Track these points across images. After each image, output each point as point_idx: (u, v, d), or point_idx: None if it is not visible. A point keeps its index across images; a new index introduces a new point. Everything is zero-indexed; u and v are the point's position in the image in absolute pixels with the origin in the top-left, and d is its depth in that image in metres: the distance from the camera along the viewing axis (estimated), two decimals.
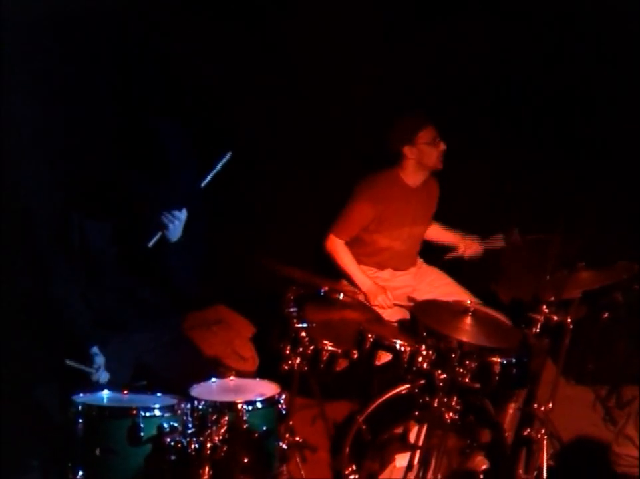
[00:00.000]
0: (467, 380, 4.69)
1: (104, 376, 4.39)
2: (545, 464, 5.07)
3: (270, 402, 4.23)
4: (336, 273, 5.81)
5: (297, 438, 4.87)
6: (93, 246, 4.51)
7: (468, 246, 5.93)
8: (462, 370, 4.67)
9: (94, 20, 5.21)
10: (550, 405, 5.09)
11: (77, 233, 4.50)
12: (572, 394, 6.19)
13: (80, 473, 3.92)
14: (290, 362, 4.80)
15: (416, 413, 4.83)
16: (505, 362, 4.77)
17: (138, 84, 5.42)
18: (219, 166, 4.34)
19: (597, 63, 6.11)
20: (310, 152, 6.05)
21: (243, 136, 5.77)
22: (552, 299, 4.80)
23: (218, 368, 5.30)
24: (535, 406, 5.12)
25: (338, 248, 5.73)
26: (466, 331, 4.61)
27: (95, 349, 4.43)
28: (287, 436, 4.72)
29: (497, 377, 4.77)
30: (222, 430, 4.06)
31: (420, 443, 4.81)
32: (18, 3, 4.88)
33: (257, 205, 6.01)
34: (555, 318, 4.81)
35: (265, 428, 4.17)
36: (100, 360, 4.42)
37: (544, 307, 4.81)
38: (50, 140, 5.12)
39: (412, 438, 4.85)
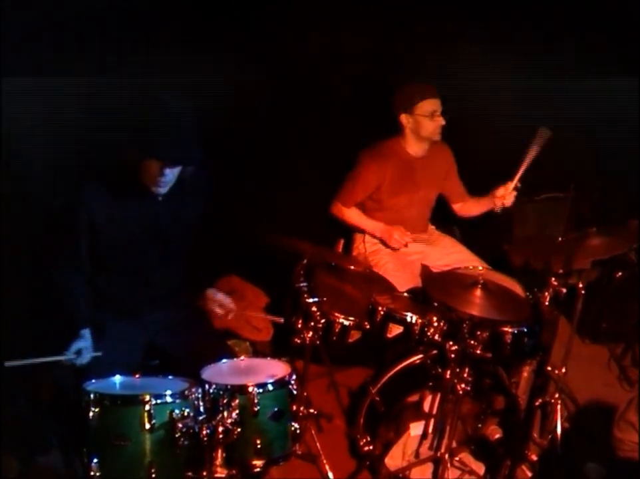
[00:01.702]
0: (478, 351, 4.68)
1: (79, 360, 4.34)
2: (560, 427, 5.09)
3: (281, 383, 4.24)
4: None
5: (312, 410, 4.91)
6: (101, 230, 4.50)
7: (505, 197, 5.79)
8: (473, 341, 4.67)
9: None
10: (564, 369, 5.10)
11: (85, 215, 4.47)
12: (587, 353, 6.21)
13: (95, 460, 3.93)
14: (302, 336, 4.79)
15: (430, 383, 4.84)
16: (517, 331, 4.77)
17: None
18: None
19: None
20: (316, 122, 6.02)
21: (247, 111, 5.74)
22: (561, 271, 4.76)
23: (231, 341, 5.35)
24: (550, 368, 5.14)
25: (343, 212, 5.77)
26: (476, 304, 4.60)
27: (85, 331, 4.40)
28: (301, 408, 4.77)
29: (509, 346, 4.78)
30: (234, 413, 4.08)
31: (434, 411, 4.82)
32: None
33: (266, 175, 5.96)
34: (564, 290, 4.78)
35: (276, 409, 4.19)
36: (81, 343, 4.36)
37: (553, 279, 4.77)
38: (55, 121, 5.07)
39: (426, 406, 4.87)
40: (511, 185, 5.72)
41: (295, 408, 4.61)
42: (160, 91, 4.52)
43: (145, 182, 4.41)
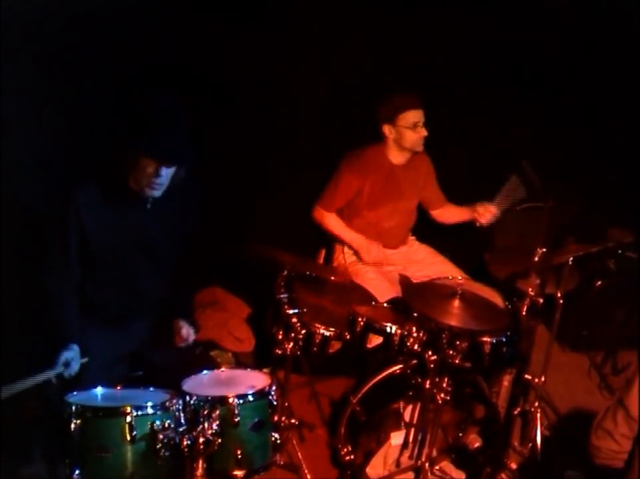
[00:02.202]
0: (458, 360, 4.72)
1: (68, 371, 4.34)
2: (540, 435, 5.13)
3: (261, 394, 4.28)
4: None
5: (294, 420, 4.95)
6: (90, 237, 4.50)
7: (482, 215, 5.89)
8: (452, 351, 4.71)
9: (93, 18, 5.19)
10: (543, 378, 5.14)
11: (74, 221, 4.46)
12: (567, 361, 6.27)
13: (77, 471, 3.96)
14: (283, 346, 4.83)
15: (410, 393, 4.88)
16: (495, 341, 4.82)
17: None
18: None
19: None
20: (296, 132, 6.05)
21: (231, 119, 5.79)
22: (537, 281, 4.81)
23: (213, 352, 5.38)
24: (529, 377, 5.19)
25: (324, 217, 5.81)
26: (455, 314, 4.65)
27: (71, 345, 4.39)
28: (283, 418, 4.82)
29: (488, 356, 4.82)
30: (214, 424, 4.11)
31: (415, 421, 4.86)
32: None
33: (248, 185, 6.00)
34: (541, 300, 4.83)
35: (257, 420, 4.23)
36: (69, 354, 4.35)
37: (530, 289, 4.83)
38: (44, 130, 5.09)
39: (406, 416, 4.92)
40: (492, 208, 5.80)
41: (276, 418, 4.67)
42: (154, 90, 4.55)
43: (138, 185, 4.42)
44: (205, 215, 5.01)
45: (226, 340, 5.67)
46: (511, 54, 6.22)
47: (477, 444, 4.90)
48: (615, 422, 3.88)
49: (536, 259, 4.97)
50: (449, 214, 6.14)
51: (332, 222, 5.83)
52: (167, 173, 4.40)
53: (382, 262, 5.82)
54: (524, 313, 4.88)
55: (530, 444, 5.16)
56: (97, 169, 4.56)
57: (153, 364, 4.72)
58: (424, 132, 5.66)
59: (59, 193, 4.51)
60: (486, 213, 5.84)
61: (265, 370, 4.84)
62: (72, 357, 4.38)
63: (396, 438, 4.90)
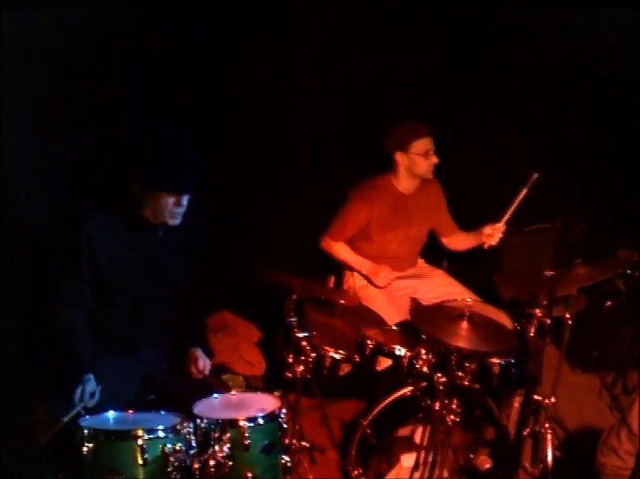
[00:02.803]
0: (466, 382, 4.75)
1: (92, 401, 4.42)
2: (551, 455, 5.14)
3: (271, 417, 4.31)
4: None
5: (304, 443, 4.97)
6: (102, 265, 4.55)
7: (491, 236, 5.93)
8: (461, 373, 4.73)
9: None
10: (553, 399, 5.16)
11: (86, 250, 4.52)
12: (578, 382, 6.27)
13: None
14: (293, 369, 4.85)
15: (420, 415, 4.91)
16: (504, 362, 4.84)
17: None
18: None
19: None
20: (307, 159, 6.10)
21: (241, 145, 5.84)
22: (544, 302, 4.84)
23: (225, 376, 5.41)
24: (539, 398, 5.20)
25: (332, 246, 5.87)
26: (463, 336, 4.67)
27: (88, 376, 4.46)
28: (294, 441, 4.84)
29: (496, 377, 4.86)
30: (225, 447, 4.15)
31: (425, 443, 4.88)
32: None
33: (258, 210, 6.05)
34: (549, 321, 4.86)
35: (267, 442, 4.26)
36: (90, 386, 4.44)
37: (537, 310, 4.85)
38: (56, 156, 5.14)
39: (416, 438, 4.93)
40: (499, 225, 5.82)
41: (287, 441, 4.71)
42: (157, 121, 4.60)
43: (157, 217, 4.49)
44: (215, 239, 5.06)
45: (237, 364, 5.71)
46: (519, 74, 6.26)
47: (487, 466, 4.92)
48: (619, 439, 3.92)
49: (543, 280, 4.97)
50: (458, 242, 6.21)
51: (340, 250, 5.90)
52: (187, 199, 4.45)
53: (391, 287, 5.83)
54: (532, 334, 4.88)
55: (541, 465, 5.16)
56: (108, 199, 4.61)
57: (165, 389, 4.75)
58: (435, 159, 5.73)
59: (70, 223, 4.57)
60: (494, 233, 5.88)
61: (275, 393, 4.84)
62: (95, 388, 4.45)
63: (407, 460, 4.93)
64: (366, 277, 5.89)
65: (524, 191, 5.63)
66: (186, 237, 4.64)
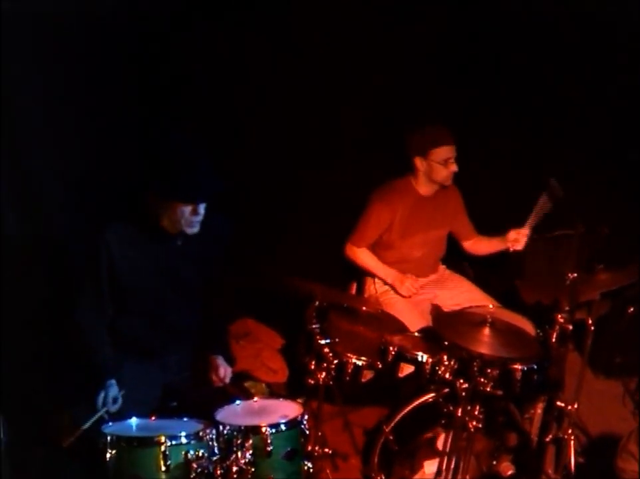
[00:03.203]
0: (489, 388, 4.75)
1: (115, 407, 4.46)
2: (574, 462, 5.13)
3: (293, 423, 4.34)
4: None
5: (327, 449, 4.98)
6: (122, 274, 4.60)
7: (516, 241, 5.92)
8: (483, 379, 4.73)
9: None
10: (576, 405, 5.14)
11: (106, 260, 4.57)
12: (601, 388, 6.21)
13: None
14: (315, 376, 4.87)
15: (442, 421, 4.91)
16: (526, 369, 4.84)
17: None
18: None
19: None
20: (328, 165, 6.12)
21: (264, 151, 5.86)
22: (567, 307, 4.83)
23: (247, 383, 5.42)
24: (562, 404, 5.19)
25: (357, 253, 5.86)
26: (485, 343, 4.69)
27: (110, 381, 4.50)
28: (316, 448, 4.85)
29: (519, 384, 4.85)
30: (248, 453, 4.18)
31: (448, 449, 4.88)
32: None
33: (281, 218, 6.07)
34: (571, 327, 4.85)
35: (289, 449, 4.27)
36: (112, 392, 4.48)
37: (559, 316, 4.85)
38: (75, 170, 5.19)
39: (439, 444, 4.93)
40: (524, 230, 5.82)
41: (310, 448, 4.72)
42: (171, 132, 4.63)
43: (175, 227, 4.53)
44: (237, 247, 5.08)
45: (260, 371, 5.72)
46: (538, 78, 6.26)
47: (510, 472, 4.92)
48: (637, 444, 3.90)
49: (566, 286, 4.96)
50: (481, 246, 6.18)
51: (365, 258, 5.89)
52: (203, 208, 4.48)
53: (415, 294, 5.85)
54: (554, 340, 4.87)
55: (564, 471, 5.14)
56: (126, 209, 4.66)
57: (186, 396, 4.77)
58: (455, 168, 5.73)
59: (90, 233, 4.62)
60: (519, 238, 5.88)
61: (298, 400, 4.86)
62: (117, 394, 4.49)
63: (430, 467, 4.94)
64: (391, 286, 5.86)
65: (544, 197, 5.60)
66: (206, 246, 4.67)
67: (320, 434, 4.96)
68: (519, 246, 5.89)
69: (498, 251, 6.07)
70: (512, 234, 5.90)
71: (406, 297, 5.82)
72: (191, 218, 4.46)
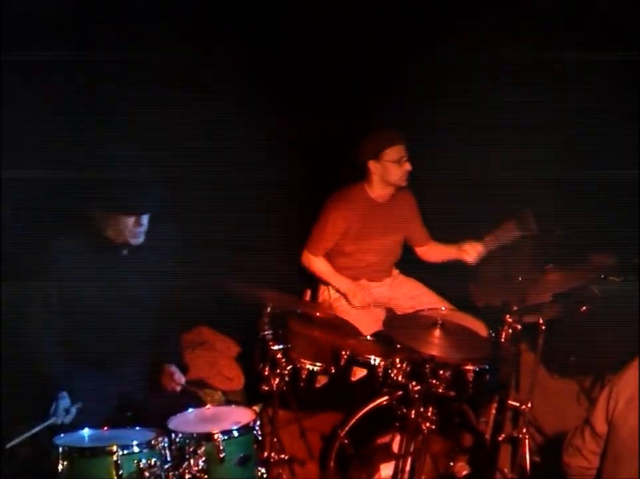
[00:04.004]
0: (441, 389, 4.79)
1: (68, 418, 4.46)
2: (529, 461, 5.17)
3: (245, 429, 4.35)
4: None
5: (283, 455, 4.99)
6: (70, 286, 4.62)
7: (469, 253, 6.00)
8: (435, 381, 4.77)
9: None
10: (530, 404, 5.19)
11: (54, 273, 4.59)
12: (556, 387, 6.28)
13: None
14: (269, 383, 4.88)
15: (397, 424, 4.94)
16: (478, 369, 4.89)
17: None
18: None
19: None
20: (281, 172, 6.13)
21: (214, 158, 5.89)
22: (515, 308, 4.88)
23: (202, 392, 5.43)
24: (517, 404, 5.24)
25: (313, 262, 5.89)
26: (436, 345, 4.70)
27: (62, 394, 4.50)
28: (272, 454, 4.87)
29: (472, 384, 4.89)
30: (200, 461, 4.20)
31: (404, 452, 4.91)
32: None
33: (234, 225, 6.09)
34: (519, 327, 4.90)
35: (242, 455, 4.29)
36: (64, 403, 4.48)
37: (507, 316, 4.89)
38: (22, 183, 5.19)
39: (395, 447, 4.96)
40: (479, 247, 5.91)
41: (265, 454, 4.74)
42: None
43: (120, 238, 4.57)
44: (191, 255, 5.09)
45: (215, 379, 5.73)
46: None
47: (465, 472, 4.97)
48: (583, 439, 3.96)
49: (515, 287, 5.02)
50: (434, 252, 6.25)
51: (320, 267, 5.93)
52: (146, 218, 4.50)
53: (369, 305, 5.89)
54: (504, 340, 4.92)
55: (520, 470, 5.19)
56: (73, 221, 4.66)
57: (141, 405, 4.78)
58: (409, 166, 5.78)
59: (36, 245, 4.63)
60: (473, 252, 5.93)
61: (255, 407, 4.88)
62: (69, 405, 4.48)
63: (386, 470, 4.97)
64: (344, 296, 5.89)
65: (511, 225, 5.68)
66: (153, 254, 4.68)
67: (275, 440, 4.96)
68: (471, 259, 5.95)
69: (452, 259, 6.09)
70: (467, 246, 5.96)
71: (359, 308, 5.83)
72: (135, 229, 4.49)
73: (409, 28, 6.22)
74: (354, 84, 6.20)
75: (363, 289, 5.89)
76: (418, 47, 6.23)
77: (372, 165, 5.78)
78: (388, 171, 5.76)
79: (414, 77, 6.24)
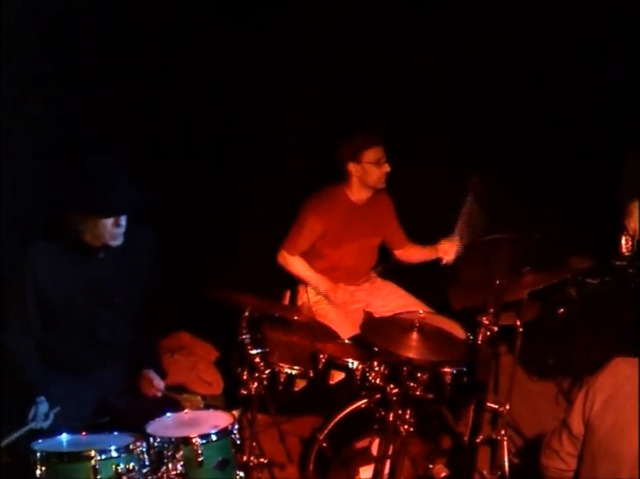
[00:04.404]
0: (419, 392, 4.80)
1: (47, 423, 4.44)
2: (508, 463, 5.20)
3: (224, 433, 4.36)
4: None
5: (263, 459, 5.00)
6: (47, 291, 4.61)
7: (447, 251, 6.04)
8: (413, 384, 4.79)
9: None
10: (508, 406, 5.22)
11: (30, 279, 4.58)
12: (535, 389, 6.31)
13: None
14: (248, 387, 4.88)
15: (375, 427, 4.95)
16: (455, 371, 4.91)
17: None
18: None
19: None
20: (260, 173, 6.16)
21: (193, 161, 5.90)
22: (491, 310, 4.90)
23: (182, 397, 5.43)
24: (495, 405, 5.27)
25: (290, 261, 5.90)
26: (413, 347, 4.71)
27: (40, 398, 4.48)
28: (252, 458, 4.88)
29: (449, 387, 4.91)
30: (179, 465, 4.21)
31: (383, 454, 4.92)
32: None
33: (212, 227, 6.10)
34: (496, 329, 4.92)
35: (220, 459, 4.30)
36: (42, 408, 4.46)
37: (484, 318, 4.92)
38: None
39: (374, 450, 4.97)
40: (454, 239, 5.92)
41: (245, 458, 4.76)
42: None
43: (98, 240, 4.54)
44: (168, 259, 5.11)
45: (195, 383, 5.73)
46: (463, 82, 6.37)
47: (443, 474, 4.99)
48: (560, 441, 3.98)
49: (493, 289, 5.04)
50: (412, 255, 6.26)
51: (298, 266, 5.93)
52: (125, 219, 4.51)
53: (348, 302, 5.89)
54: (480, 342, 4.94)
55: (499, 472, 5.21)
56: (48, 227, 4.67)
57: (119, 411, 4.78)
58: (388, 168, 5.81)
59: (14, 252, 4.62)
60: (450, 249, 5.96)
61: (234, 411, 4.88)
62: (47, 410, 4.46)
63: (365, 473, 4.98)
64: (324, 295, 5.90)
65: (469, 197, 5.69)
66: (130, 257, 4.68)
67: (255, 444, 4.97)
68: (450, 256, 6.00)
69: (430, 260, 6.11)
70: (443, 244, 5.99)
71: (339, 305, 5.83)
72: (114, 230, 4.47)
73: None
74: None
75: (341, 287, 5.91)
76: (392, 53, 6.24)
77: (352, 167, 5.81)
78: (367, 172, 5.80)
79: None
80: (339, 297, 5.88)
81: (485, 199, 5.80)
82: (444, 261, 6.04)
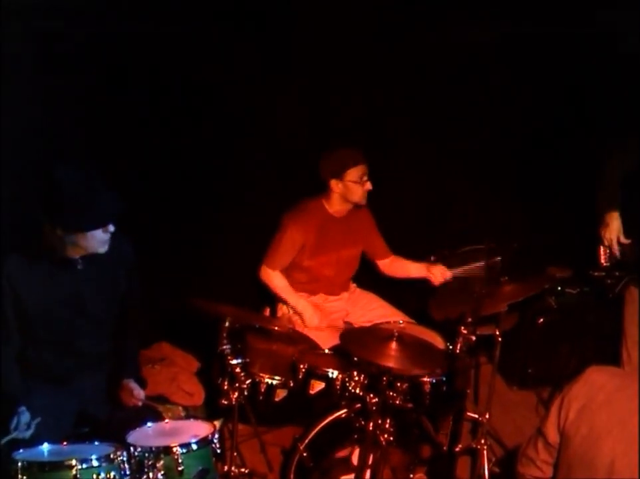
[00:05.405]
0: (398, 401, 4.84)
1: (29, 433, 4.46)
2: (488, 472, 5.24)
3: (204, 442, 4.38)
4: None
5: (244, 469, 5.03)
6: (25, 303, 4.63)
7: (435, 277, 6.06)
8: (393, 393, 4.82)
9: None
10: (487, 415, 5.26)
11: (8, 291, 4.59)
12: (515, 399, 6.37)
13: None
14: (228, 397, 4.91)
15: (355, 436, 4.98)
16: (434, 381, 4.94)
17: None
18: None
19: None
20: (241, 187, 6.19)
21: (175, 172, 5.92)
22: (470, 319, 4.95)
23: (163, 407, 5.45)
24: (475, 415, 5.32)
25: (271, 277, 5.89)
26: (392, 357, 4.70)
27: (22, 408, 4.50)
28: (232, 468, 4.91)
29: (428, 396, 4.95)
30: (159, 474, 4.23)
31: (363, 464, 4.95)
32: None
33: (195, 240, 6.12)
34: (474, 338, 4.96)
35: (201, 468, 4.32)
36: (24, 418, 4.48)
37: (462, 328, 4.96)
38: None
39: (354, 459, 4.99)
40: (448, 274, 6.00)
41: (225, 468, 4.78)
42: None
43: (79, 251, 4.57)
44: (149, 270, 5.13)
45: (176, 394, 5.74)
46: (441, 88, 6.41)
47: None
48: (536, 449, 4.00)
49: (471, 300, 5.09)
50: (398, 267, 6.26)
51: (278, 283, 5.93)
52: (112, 225, 4.55)
53: (325, 309, 5.94)
54: (458, 352, 4.99)
55: None
56: (25, 238, 4.68)
57: (99, 421, 4.80)
58: (369, 186, 5.81)
59: None
60: (441, 275, 6.04)
61: (216, 422, 4.90)
62: (28, 418, 4.48)
63: None
64: (299, 315, 5.93)
65: (481, 262, 5.79)
66: (109, 268, 4.70)
67: (236, 454, 5.00)
68: (438, 282, 6.05)
69: (419, 278, 6.15)
70: (435, 269, 6.05)
71: (310, 329, 5.84)
72: (104, 237, 4.51)
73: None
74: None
75: (319, 310, 5.91)
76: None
77: (334, 184, 5.81)
78: (350, 190, 5.80)
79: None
80: (315, 321, 5.88)
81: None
82: (431, 283, 6.03)
